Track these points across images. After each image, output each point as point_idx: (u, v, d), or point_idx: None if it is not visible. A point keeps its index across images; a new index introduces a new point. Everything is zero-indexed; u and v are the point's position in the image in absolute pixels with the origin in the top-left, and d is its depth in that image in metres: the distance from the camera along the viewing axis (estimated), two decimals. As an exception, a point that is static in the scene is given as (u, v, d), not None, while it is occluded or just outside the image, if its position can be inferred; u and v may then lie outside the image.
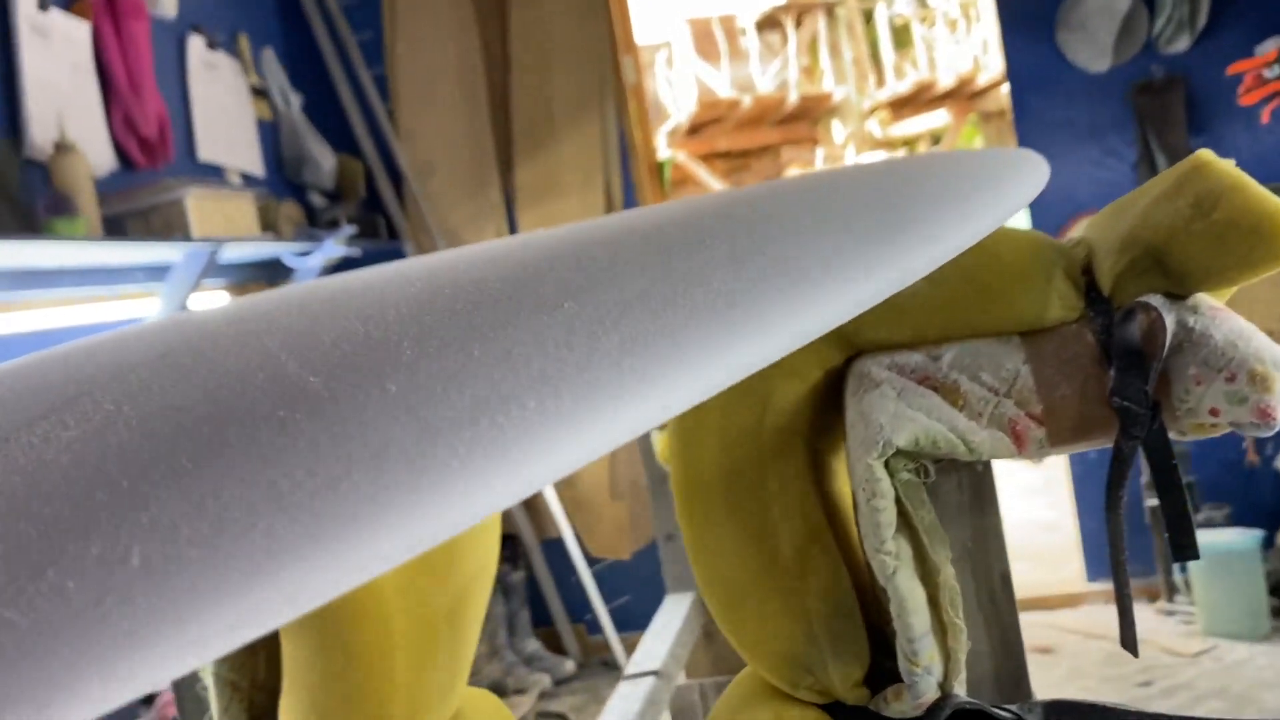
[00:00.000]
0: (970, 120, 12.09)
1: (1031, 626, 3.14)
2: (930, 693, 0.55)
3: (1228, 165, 0.53)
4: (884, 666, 0.58)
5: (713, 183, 12.91)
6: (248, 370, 0.28)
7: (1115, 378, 0.53)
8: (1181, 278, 0.54)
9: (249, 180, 3.12)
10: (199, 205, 2.45)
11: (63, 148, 2.24)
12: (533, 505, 3.41)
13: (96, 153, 2.48)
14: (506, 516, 3.39)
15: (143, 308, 2.55)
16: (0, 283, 2.18)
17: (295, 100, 3.38)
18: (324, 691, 0.56)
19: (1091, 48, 3.04)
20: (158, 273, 2.54)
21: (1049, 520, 4.37)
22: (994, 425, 0.54)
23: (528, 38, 3.39)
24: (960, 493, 0.57)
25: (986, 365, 0.55)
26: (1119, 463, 0.53)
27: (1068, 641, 3.03)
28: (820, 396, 0.59)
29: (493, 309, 0.29)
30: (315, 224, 3.27)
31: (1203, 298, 0.55)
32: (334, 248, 2.92)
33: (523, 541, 3.41)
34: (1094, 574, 3.21)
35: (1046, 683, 2.67)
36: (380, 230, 3.37)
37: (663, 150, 12.88)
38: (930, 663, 0.54)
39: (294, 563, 0.22)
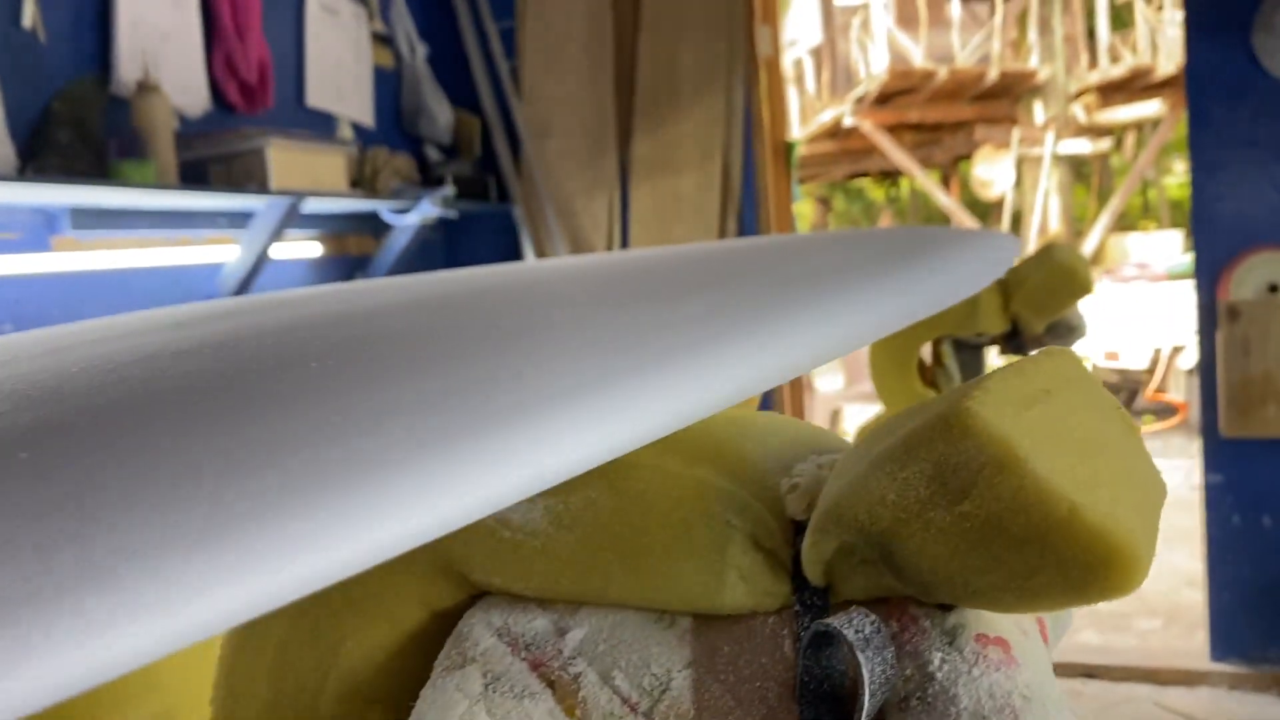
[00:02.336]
0: (1190, 112, 11.13)
1: (1136, 701, 2.82)
2: None
3: (1002, 420, 0.31)
4: None
5: (898, 155, 12.41)
6: None
7: (798, 731, 0.33)
8: (922, 587, 0.33)
9: (359, 130, 3.07)
10: (281, 156, 2.40)
11: (145, 87, 2.22)
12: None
13: (192, 94, 2.46)
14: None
15: (224, 254, 2.53)
16: (78, 220, 2.18)
17: (421, 50, 3.30)
18: None
19: (1293, 56, 2.62)
20: (242, 219, 2.52)
21: (1191, 573, 3.95)
22: (619, 761, 0.34)
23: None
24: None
25: (628, 660, 0.35)
26: None
27: (1175, 725, 2.70)
28: (423, 650, 0.41)
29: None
30: (428, 178, 3.19)
31: (975, 619, 0.34)
32: (430, 208, 2.84)
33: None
34: (1219, 653, 2.85)
35: (1132, 775, 2.37)
36: (490, 192, 3.27)
37: (847, 118, 12.44)
38: None
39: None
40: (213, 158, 2.40)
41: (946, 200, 12.67)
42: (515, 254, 3.35)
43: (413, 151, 3.24)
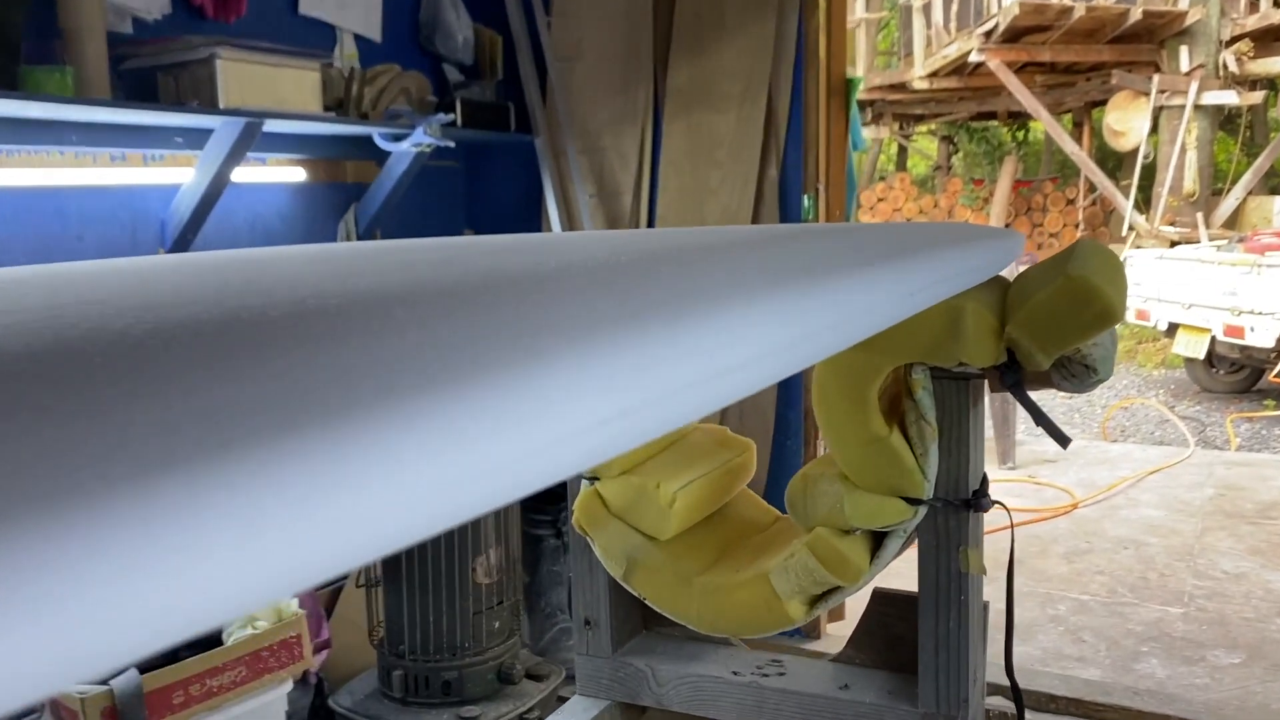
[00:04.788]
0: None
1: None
2: None
3: None
4: None
5: (1026, 97, 11.60)
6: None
7: None
8: None
9: (364, 44, 2.76)
10: (234, 69, 2.10)
11: (73, -17, 1.94)
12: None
13: (147, -7, 2.18)
14: (593, 466, 2.98)
15: (177, 175, 2.26)
16: (-9, 131, 1.93)
17: (445, -45, 2.96)
18: None
19: None
20: (200, 138, 2.24)
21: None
22: None
23: (716, -92, 2.78)
24: None
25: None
26: None
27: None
28: None
29: None
30: (444, 101, 2.87)
31: None
32: (423, 136, 2.52)
33: (608, 497, 2.99)
34: (1301, 716, 2.41)
35: None
36: (510, 120, 2.93)
37: (974, 54, 11.66)
38: None
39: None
40: (160, 68, 2.12)
41: (1074, 149, 11.82)
42: (535, 189, 3.02)
43: (430, 71, 2.92)
